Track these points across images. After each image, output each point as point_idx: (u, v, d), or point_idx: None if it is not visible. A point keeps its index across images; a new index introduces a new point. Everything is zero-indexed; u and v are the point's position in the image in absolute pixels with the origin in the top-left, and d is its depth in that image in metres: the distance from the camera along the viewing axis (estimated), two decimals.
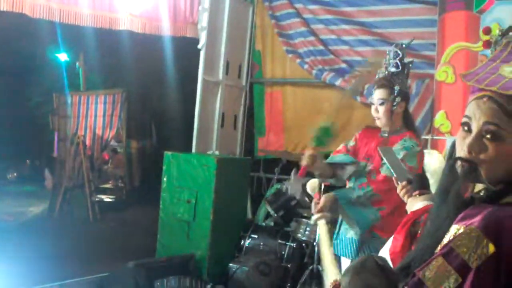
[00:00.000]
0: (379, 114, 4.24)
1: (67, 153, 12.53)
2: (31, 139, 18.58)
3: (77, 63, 15.53)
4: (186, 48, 9.12)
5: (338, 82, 8.13)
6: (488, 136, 1.85)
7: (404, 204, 3.89)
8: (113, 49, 12.62)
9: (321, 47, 8.52)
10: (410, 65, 4.40)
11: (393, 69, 4.25)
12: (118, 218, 11.88)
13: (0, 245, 8.05)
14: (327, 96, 8.47)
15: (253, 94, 9.24)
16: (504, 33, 2.01)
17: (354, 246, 4.23)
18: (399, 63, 4.24)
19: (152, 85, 15.20)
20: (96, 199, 12.34)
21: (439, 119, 6.94)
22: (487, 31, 2.08)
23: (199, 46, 8.18)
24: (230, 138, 8.94)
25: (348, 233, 4.30)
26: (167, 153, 7.48)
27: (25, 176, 18.57)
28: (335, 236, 4.49)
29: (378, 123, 4.31)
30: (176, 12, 8.04)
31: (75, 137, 12.19)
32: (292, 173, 4.35)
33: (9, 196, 14.89)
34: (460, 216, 1.87)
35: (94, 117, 13.33)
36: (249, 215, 8.34)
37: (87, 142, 12.95)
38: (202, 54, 8.19)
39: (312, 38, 8.62)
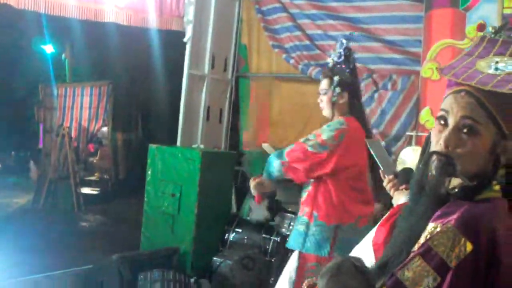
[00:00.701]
0: (322, 104, 4.31)
1: (52, 144, 12.57)
2: (16, 131, 18.53)
3: (63, 55, 15.52)
4: (173, 41, 9.10)
5: None
6: (465, 130, 1.89)
7: (354, 193, 4.06)
8: (99, 41, 12.67)
9: (307, 42, 8.44)
10: (354, 57, 4.38)
11: (335, 59, 4.27)
12: (103, 210, 11.90)
13: None
14: (313, 91, 8.21)
15: (239, 88, 9.18)
16: (497, 31, 2.03)
17: (301, 238, 4.21)
18: (342, 53, 4.23)
19: (138, 78, 15.20)
20: (81, 191, 12.29)
21: (424, 115, 6.93)
22: (482, 27, 2.14)
23: (185, 40, 8.12)
24: (215, 131, 8.87)
25: (297, 225, 4.32)
26: (152, 146, 7.45)
27: (10, 167, 18.53)
28: None
29: (323, 113, 4.35)
30: (162, 5, 7.99)
31: (60, 129, 12.24)
32: (251, 202, 4.47)
33: None
34: (436, 214, 1.90)
35: (80, 109, 13.25)
36: (234, 209, 8.26)
37: (73, 134, 12.90)
38: (188, 48, 8.12)
39: (298, 33, 8.54)
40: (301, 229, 4.20)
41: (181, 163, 7.14)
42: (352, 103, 4.28)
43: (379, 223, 2.48)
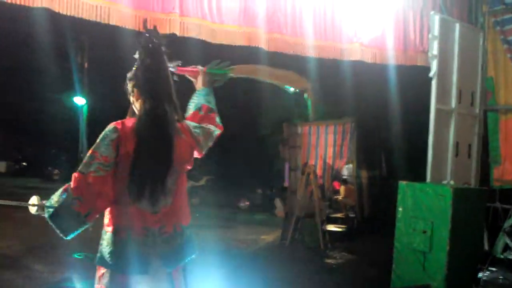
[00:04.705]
0: None
1: (298, 182, 12.74)
2: (262, 169, 19.26)
3: (305, 94, 15.80)
4: (413, 77, 9.03)
5: None
6: None
7: None
8: (339, 79, 12.71)
9: None
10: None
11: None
12: (349, 247, 11.89)
13: (235, 271, 8.41)
14: None
15: (487, 122, 8.95)
16: None
17: None
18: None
19: (380, 114, 15.12)
20: (327, 228, 12.42)
21: None
22: None
23: (430, 75, 8.02)
24: (464, 167, 8.67)
25: None
26: (402, 183, 7.44)
27: (257, 204, 19.20)
28: None
29: None
30: (406, 41, 8.02)
31: (306, 167, 12.41)
32: None
33: (241, 224, 15.80)
34: None
35: (325, 146, 13.40)
36: (486, 247, 8.04)
37: (318, 172, 13.04)
38: (434, 83, 8.03)
39: None
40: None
41: (432, 199, 7.05)
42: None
43: None
